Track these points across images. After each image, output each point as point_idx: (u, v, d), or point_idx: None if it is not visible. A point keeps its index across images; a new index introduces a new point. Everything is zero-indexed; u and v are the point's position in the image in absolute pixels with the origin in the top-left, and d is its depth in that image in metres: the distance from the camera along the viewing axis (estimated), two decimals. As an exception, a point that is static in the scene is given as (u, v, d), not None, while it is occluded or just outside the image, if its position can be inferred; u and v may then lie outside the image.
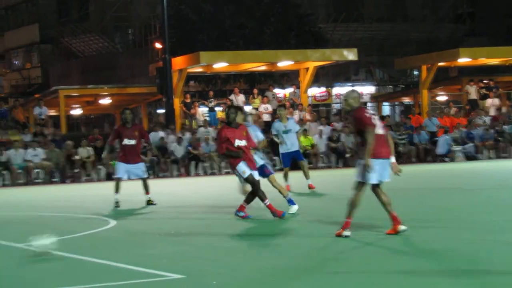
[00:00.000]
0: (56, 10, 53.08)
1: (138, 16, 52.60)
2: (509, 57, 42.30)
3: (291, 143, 21.36)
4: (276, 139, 21.64)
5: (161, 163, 33.69)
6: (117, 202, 19.41)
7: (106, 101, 45.48)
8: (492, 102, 41.54)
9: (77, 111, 49.36)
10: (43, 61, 53.03)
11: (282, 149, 21.51)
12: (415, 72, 50.35)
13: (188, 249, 12.83)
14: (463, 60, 41.77)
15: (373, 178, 12.44)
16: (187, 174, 33.73)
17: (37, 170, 33.54)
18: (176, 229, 15.31)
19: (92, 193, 26.04)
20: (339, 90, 50.93)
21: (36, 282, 10.39)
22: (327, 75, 46.81)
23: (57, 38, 53.60)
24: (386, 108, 52.86)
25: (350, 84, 51.32)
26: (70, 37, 55.03)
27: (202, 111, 39.78)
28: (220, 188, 26.00)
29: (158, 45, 47.51)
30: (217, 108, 40.10)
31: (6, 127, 38.84)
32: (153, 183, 21.69)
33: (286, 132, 21.24)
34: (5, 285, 10.31)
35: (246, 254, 12.37)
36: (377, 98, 50.83)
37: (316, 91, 49.59)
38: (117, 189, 19.57)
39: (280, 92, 44.95)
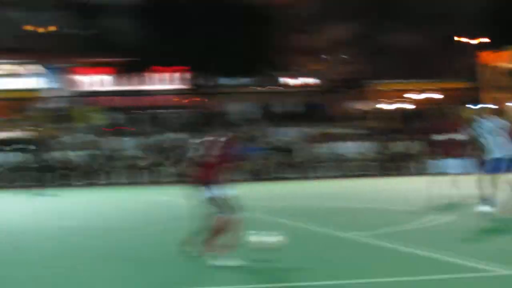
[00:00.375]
0: (373, 7, 53.43)
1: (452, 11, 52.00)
2: None
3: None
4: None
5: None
6: (449, 197, 18.90)
7: (421, 95, 45.47)
8: None
9: (392, 105, 49.56)
10: (358, 56, 53.62)
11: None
12: None
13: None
14: None
15: None
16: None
17: (356, 163, 34.02)
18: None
19: (414, 187, 25.17)
20: None
21: (358, 269, 10.63)
22: None
23: (371, 34, 53.86)
24: None
25: None
26: (385, 33, 55.09)
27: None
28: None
29: (464, 39, 46.97)
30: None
31: (325, 120, 39.73)
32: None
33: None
34: (316, 265, 10.75)
35: None
36: None
37: None
38: (449, 184, 19.04)
39: None
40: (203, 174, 11.46)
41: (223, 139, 11.59)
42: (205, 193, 11.43)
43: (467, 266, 10.48)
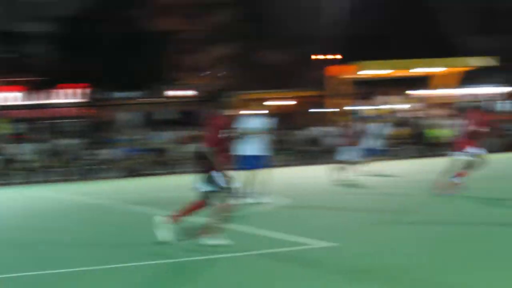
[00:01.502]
0: (247, 30, 53.53)
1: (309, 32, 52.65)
2: None
3: (252, 144, 15.61)
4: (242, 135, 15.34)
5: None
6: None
7: (279, 102, 46.47)
8: None
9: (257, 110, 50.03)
10: (233, 71, 53.97)
11: (241, 150, 15.30)
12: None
13: (340, 222, 12.71)
14: None
15: None
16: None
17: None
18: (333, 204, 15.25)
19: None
20: (475, 90, 49.02)
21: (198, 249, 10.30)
22: (468, 78, 45.16)
23: (246, 53, 54.22)
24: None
25: (486, 85, 49.43)
26: (257, 52, 55.39)
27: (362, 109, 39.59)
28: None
29: (320, 56, 48.18)
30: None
31: (197, 124, 39.70)
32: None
33: (251, 130, 15.62)
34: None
35: (387, 228, 11.78)
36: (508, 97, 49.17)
37: (454, 92, 47.77)
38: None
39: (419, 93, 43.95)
40: None
41: None
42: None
43: (291, 241, 10.58)
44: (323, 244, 10.21)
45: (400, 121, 34.29)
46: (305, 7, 51.17)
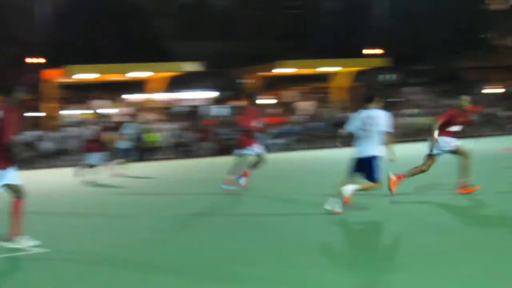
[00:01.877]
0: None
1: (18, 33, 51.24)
2: (316, 68, 42.34)
3: None
4: None
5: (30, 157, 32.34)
6: None
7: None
8: (305, 105, 42.37)
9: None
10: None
11: None
12: (245, 81, 49.64)
13: (54, 227, 12.54)
14: (279, 71, 41.37)
15: None
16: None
17: None
18: (47, 209, 14.92)
19: None
20: (186, 95, 50.50)
21: None
22: (177, 83, 46.41)
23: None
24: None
25: (196, 90, 50.96)
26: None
27: (71, 113, 39.47)
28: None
29: (30, 60, 47.59)
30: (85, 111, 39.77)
31: None
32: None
33: None
34: None
35: (106, 231, 11.93)
36: (217, 101, 50.97)
37: (166, 96, 49.01)
38: None
39: (134, 97, 44.51)
40: None
41: None
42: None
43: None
44: (36, 250, 10.06)
45: (115, 126, 34.33)
46: (14, 9, 49.91)
